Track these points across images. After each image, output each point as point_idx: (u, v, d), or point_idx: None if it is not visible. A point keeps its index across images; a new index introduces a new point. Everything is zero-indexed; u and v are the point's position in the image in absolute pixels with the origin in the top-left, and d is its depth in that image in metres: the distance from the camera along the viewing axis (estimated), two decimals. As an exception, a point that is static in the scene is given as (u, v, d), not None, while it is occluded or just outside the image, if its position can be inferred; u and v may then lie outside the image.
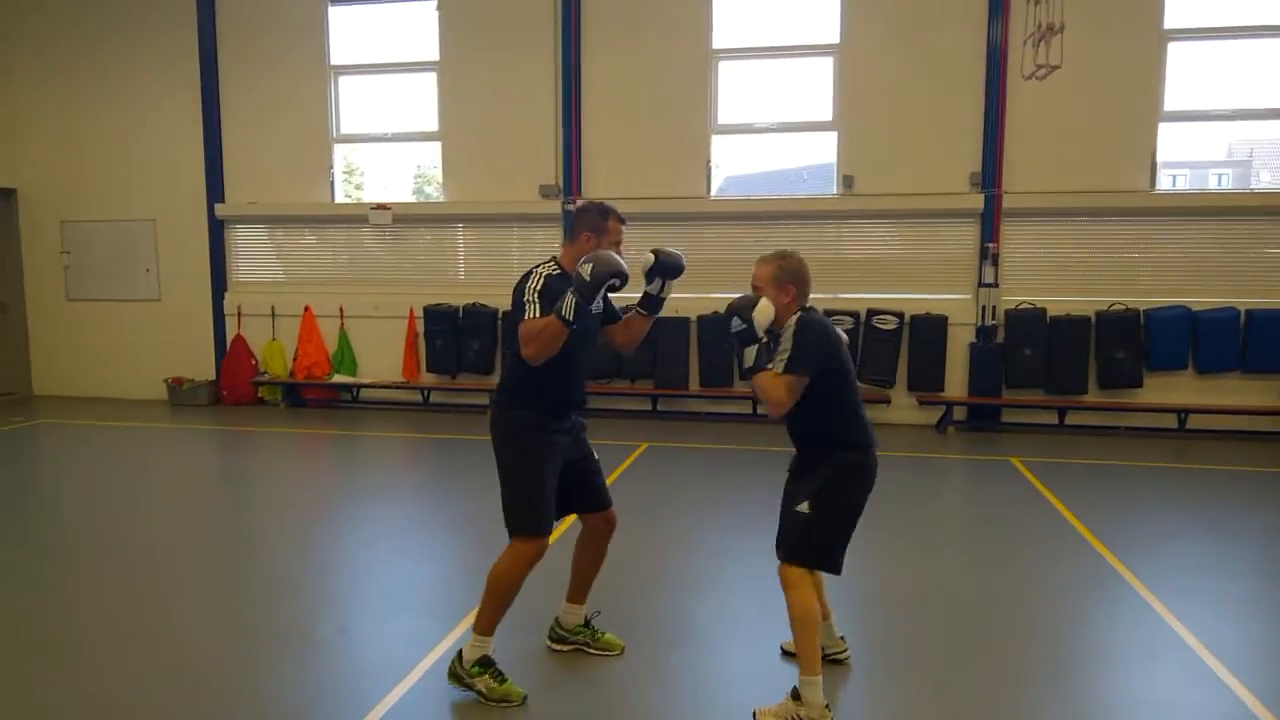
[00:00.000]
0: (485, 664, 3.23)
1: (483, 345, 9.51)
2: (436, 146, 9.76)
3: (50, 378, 10.79)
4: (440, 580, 4.73)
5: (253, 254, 10.33)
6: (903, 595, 4.40)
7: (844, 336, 3.28)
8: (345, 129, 10.01)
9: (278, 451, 8.36)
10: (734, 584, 4.59)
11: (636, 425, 8.81)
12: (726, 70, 9.22)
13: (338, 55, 9.87)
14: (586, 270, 3.05)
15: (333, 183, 9.99)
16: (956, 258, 8.91)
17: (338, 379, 9.87)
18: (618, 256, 3.15)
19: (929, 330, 8.81)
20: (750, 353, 3.10)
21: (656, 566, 4.77)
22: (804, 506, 3.16)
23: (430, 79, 9.68)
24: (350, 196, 10.38)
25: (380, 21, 9.93)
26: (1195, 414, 8.34)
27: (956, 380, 8.85)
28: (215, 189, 10.09)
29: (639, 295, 3.43)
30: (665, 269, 3.35)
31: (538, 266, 3.27)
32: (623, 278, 3.09)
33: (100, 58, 10.24)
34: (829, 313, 8.51)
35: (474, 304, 9.54)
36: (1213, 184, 13.09)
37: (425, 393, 9.74)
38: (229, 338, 10.20)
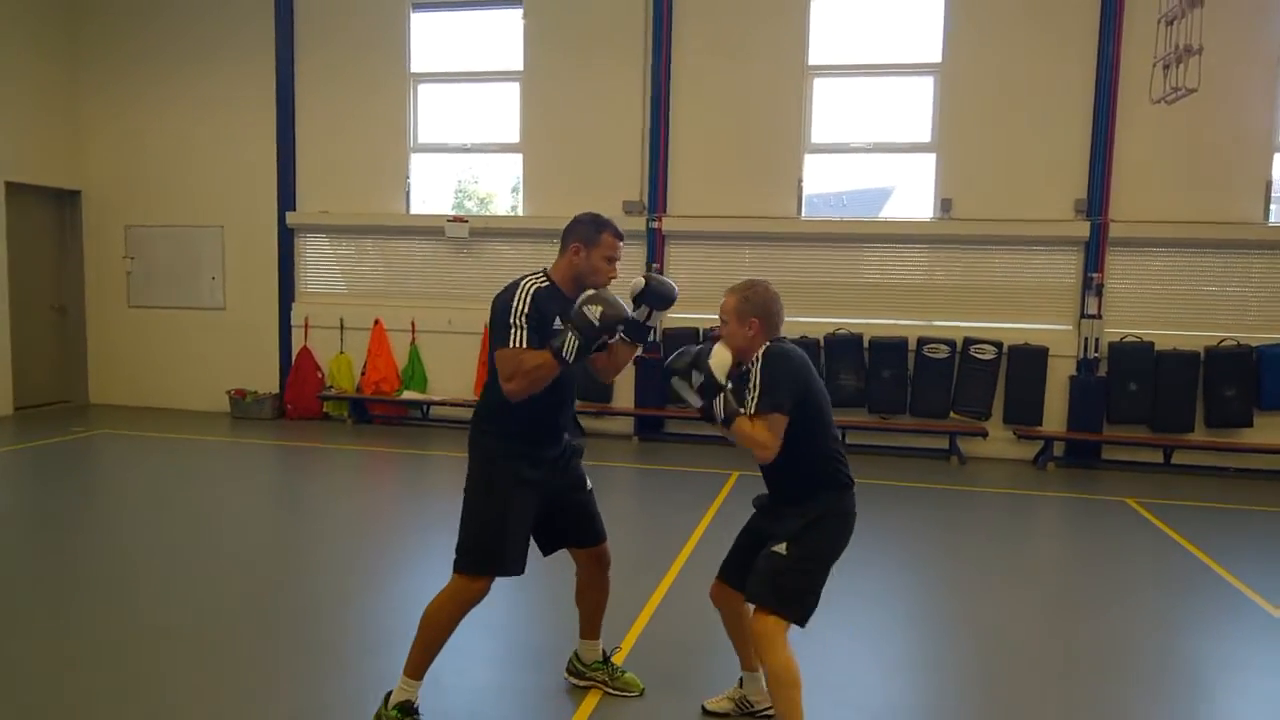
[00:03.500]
0: (405, 710, 3.00)
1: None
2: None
3: (108, 386, 10.52)
4: (513, 622, 4.32)
5: (322, 264, 10.06)
6: (1099, 654, 4.08)
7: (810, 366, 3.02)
8: (424, 139, 9.75)
9: (344, 470, 8.09)
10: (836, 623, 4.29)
11: (721, 453, 8.49)
12: (821, 87, 8.95)
13: (418, 63, 9.62)
14: (595, 313, 2.86)
15: (408, 193, 9.73)
16: (1058, 287, 8.61)
17: (407, 395, 9.58)
18: (621, 300, 2.95)
19: (1028, 361, 8.49)
20: (718, 404, 2.91)
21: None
22: (781, 548, 2.92)
23: (513, 89, 9.42)
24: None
25: (463, 29, 9.69)
26: (1310, 456, 8.03)
27: (1055, 414, 8.53)
28: (287, 196, 9.83)
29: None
30: (654, 298, 3.11)
31: (524, 279, 3.01)
32: (627, 324, 2.97)
33: (170, 58, 10.01)
34: (923, 341, 8.49)
35: (551, 321, 9.25)
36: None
37: (497, 411, 9.45)
38: (295, 350, 9.92)
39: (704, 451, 8.61)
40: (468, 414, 9.41)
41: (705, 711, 3.36)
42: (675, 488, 7.39)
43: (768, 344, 2.97)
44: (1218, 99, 8.06)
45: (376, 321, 9.71)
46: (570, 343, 2.83)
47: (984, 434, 8.53)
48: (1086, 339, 8.43)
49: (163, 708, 3.33)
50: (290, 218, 9.85)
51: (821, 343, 8.64)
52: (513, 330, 2.89)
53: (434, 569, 3.13)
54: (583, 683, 3.46)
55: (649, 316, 3.15)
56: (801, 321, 8.52)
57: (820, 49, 8.85)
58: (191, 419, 9.72)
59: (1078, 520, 6.97)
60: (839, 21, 8.88)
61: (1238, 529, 6.57)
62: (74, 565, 4.97)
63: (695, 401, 3.00)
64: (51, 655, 3.79)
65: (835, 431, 3.07)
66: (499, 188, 10.39)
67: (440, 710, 3.23)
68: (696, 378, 2.94)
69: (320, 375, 9.87)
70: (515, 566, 3.03)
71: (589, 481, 3.32)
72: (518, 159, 9.53)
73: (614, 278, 3.08)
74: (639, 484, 7.85)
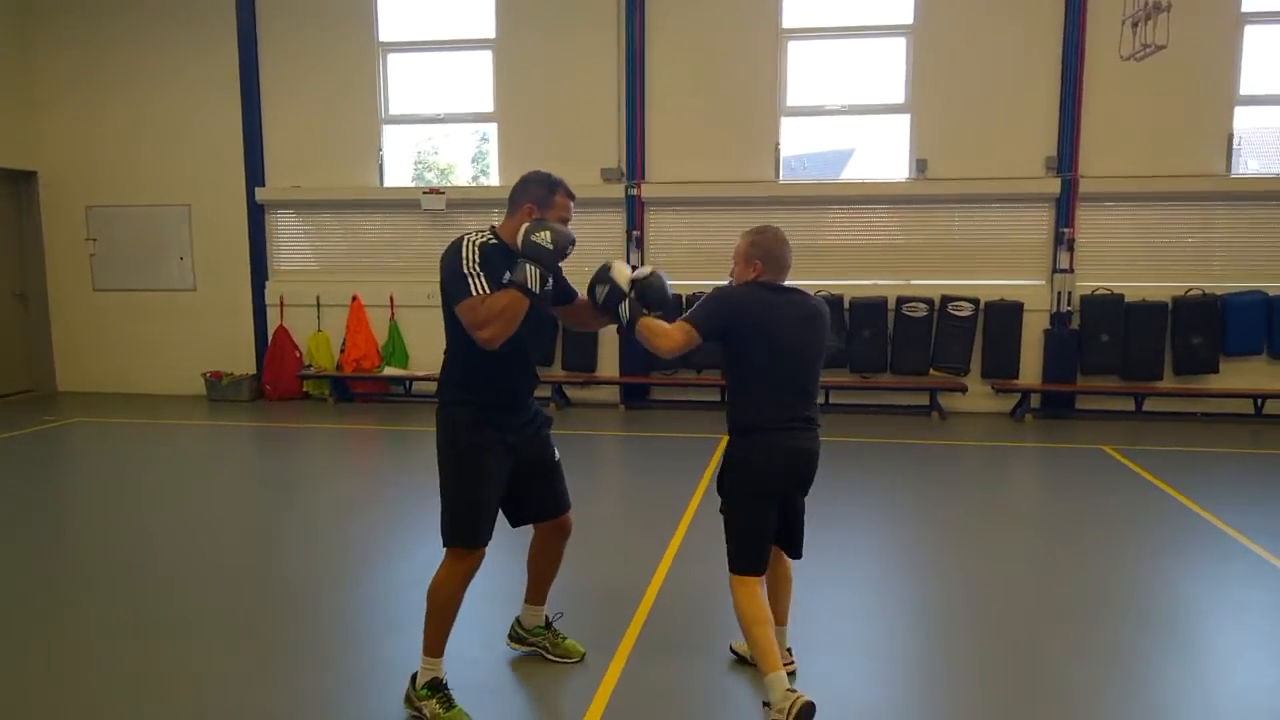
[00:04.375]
0: (435, 687, 3.02)
1: (544, 333, 9.19)
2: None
3: (75, 372, 10.24)
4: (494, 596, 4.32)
5: (295, 241, 9.86)
6: (1091, 596, 4.24)
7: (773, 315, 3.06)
8: (395, 110, 9.58)
9: (329, 449, 8.00)
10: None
11: (709, 419, 8.57)
12: (795, 50, 8.97)
13: (387, 32, 9.42)
14: (544, 238, 2.82)
15: (381, 166, 9.57)
16: (1031, 243, 8.80)
17: (389, 372, 9.49)
18: (561, 225, 2.94)
19: (1004, 317, 8.70)
20: (624, 307, 3.11)
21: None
22: (720, 506, 3.15)
23: (486, 58, 9.29)
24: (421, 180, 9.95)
25: (432, -2, 9.50)
26: (1272, 399, 8.35)
27: (1031, 367, 8.76)
28: (255, 172, 9.60)
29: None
30: (647, 295, 3.12)
31: (466, 236, 2.96)
32: (573, 245, 2.93)
33: (124, 29, 9.65)
34: (902, 300, 8.63)
35: (533, 292, 9.20)
36: None
37: (481, 384, 9.40)
38: (271, 329, 9.75)
39: (691, 417, 8.70)
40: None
41: (732, 650, 3.49)
42: (667, 454, 7.45)
43: (724, 284, 3.14)
44: (1180, 55, 8.22)
45: (354, 298, 9.57)
46: (532, 273, 2.80)
47: (963, 389, 8.74)
48: (1059, 293, 8.65)
49: (164, 694, 3.29)
50: (260, 194, 9.61)
51: (803, 305, 8.74)
52: (470, 279, 2.82)
53: (431, 544, 3.14)
54: (524, 648, 3.48)
55: (626, 303, 3.13)
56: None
57: (794, 12, 8.87)
58: (166, 403, 9.52)
59: (1058, 468, 7.21)
60: (812, -18, 8.90)
61: (1210, 470, 6.84)
62: (65, 557, 4.90)
63: (600, 312, 3.19)
64: (51, 645, 3.73)
65: (765, 380, 3.04)
66: (459, 158, 10.27)
67: (471, 683, 3.23)
68: (601, 291, 3.11)
69: (298, 354, 9.71)
70: (486, 536, 3.02)
71: (558, 452, 3.30)
72: (478, 129, 9.44)
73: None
74: (630, 452, 7.91)
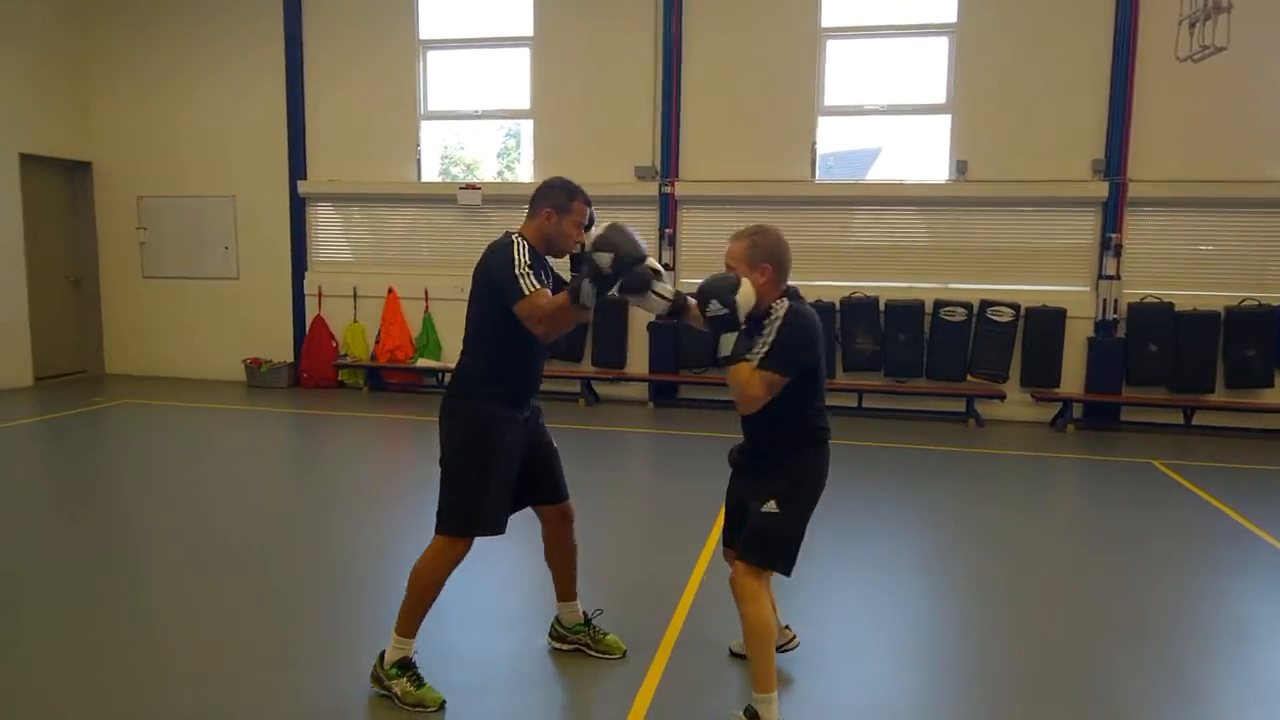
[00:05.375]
0: (404, 666, 3.04)
1: (574, 330, 9.16)
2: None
3: (123, 356, 10.56)
4: (510, 587, 4.22)
5: (335, 233, 10.04)
6: (1148, 614, 4.05)
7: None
8: (433, 106, 9.70)
9: (363, 436, 8.09)
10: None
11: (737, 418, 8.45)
12: (834, 49, 8.85)
13: (427, 29, 9.55)
14: (606, 261, 2.79)
15: (419, 161, 9.69)
16: (1076, 248, 8.52)
17: (421, 363, 9.58)
18: (635, 237, 2.86)
19: (1046, 323, 8.43)
20: (728, 340, 2.81)
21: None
22: (771, 506, 2.90)
23: (524, 55, 9.35)
24: (448, 175, 10.06)
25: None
26: (1331, 416, 7.95)
27: (1073, 376, 8.47)
28: (298, 165, 9.81)
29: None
30: (626, 278, 2.89)
31: (504, 238, 3.05)
32: (643, 262, 2.87)
33: (176, 25, 9.96)
34: (939, 303, 8.41)
35: (564, 288, 9.22)
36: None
37: (511, 379, 9.42)
38: (309, 319, 9.93)
39: (720, 417, 8.58)
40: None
41: (731, 653, 3.42)
42: (699, 452, 7.31)
43: (791, 304, 2.90)
44: (1237, 57, 7.91)
45: (390, 290, 9.69)
46: (587, 290, 2.85)
47: (1001, 396, 8.48)
48: (1105, 300, 8.35)
49: (204, 674, 3.32)
50: (302, 186, 9.82)
51: (838, 306, 8.60)
52: (521, 280, 2.92)
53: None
54: (566, 646, 3.45)
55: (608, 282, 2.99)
56: (816, 285, 8.47)
57: (833, 10, 8.75)
58: (208, 388, 9.75)
59: (1105, 481, 6.90)
60: (852, -19, 8.78)
61: (1266, 489, 6.46)
62: (109, 536, 4.97)
63: (706, 328, 2.92)
64: (97, 624, 3.76)
65: (822, 388, 3.04)
66: (485, 153, 10.33)
67: (515, 677, 3.23)
68: (715, 308, 2.80)
69: (334, 344, 9.87)
70: (498, 526, 3.07)
71: (554, 440, 3.35)
72: (505, 125, 9.50)
73: (581, 242, 3.13)
74: (662, 449, 7.83)
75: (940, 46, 8.64)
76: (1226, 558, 4.89)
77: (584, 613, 3.47)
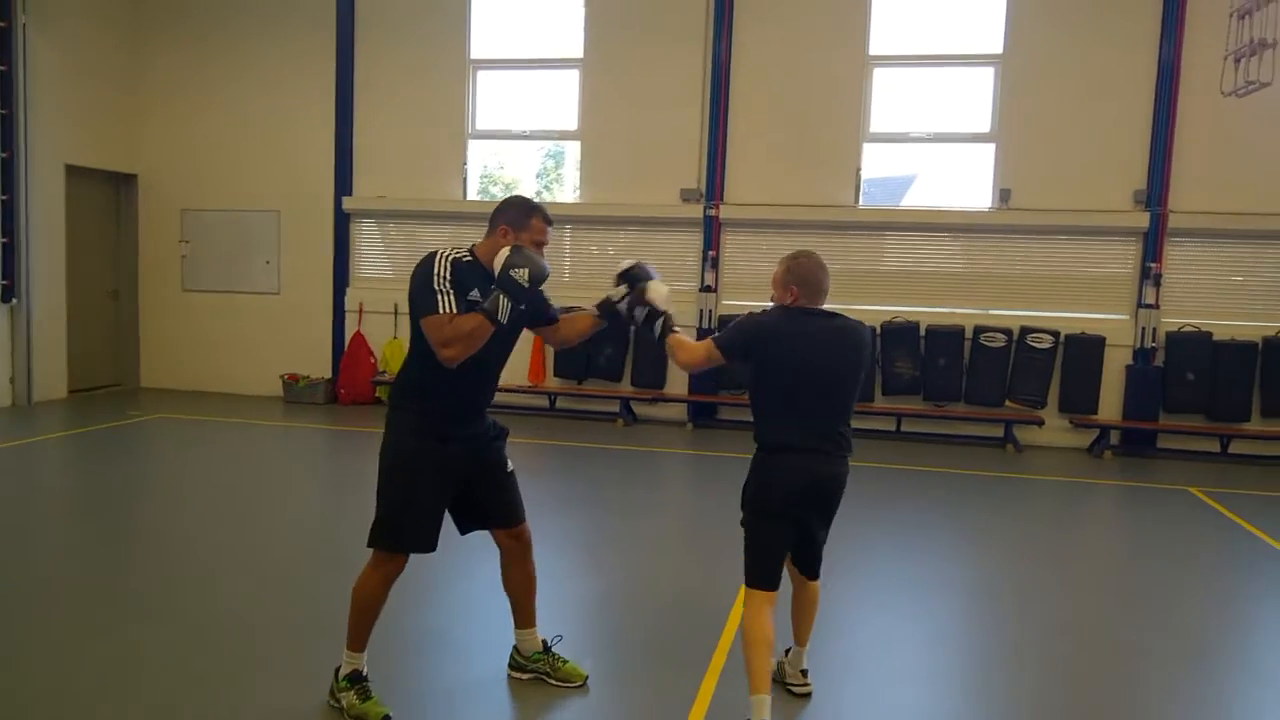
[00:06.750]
0: (354, 679, 3.10)
1: (615, 350, 9.27)
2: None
3: (159, 369, 10.56)
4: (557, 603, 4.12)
5: (377, 250, 10.11)
6: (1193, 642, 4.12)
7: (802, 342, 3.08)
8: (481, 125, 9.80)
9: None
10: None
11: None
12: (881, 77, 9.00)
13: (479, 49, 9.67)
14: (522, 275, 2.86)
15: (465, 179, 9.78)
16: (1115, 277, 8.67)
17: (462, 380, 9.62)
18: (539, 257, 2.96)
19: (1084, 350, 8.55)
20: (658, 324, 3.26)
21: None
22: (742, 519, 3.16)
23: (572, 76, 9.48)
24: (487, 194, 10.15)
25: (523, 15, 9.69)
26: (1368, 446, 8.08)
27: (1111, 403, 8.59)
28: (344, 181, 9.88)
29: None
30: (635, 281, 3.28)
31: (441, 251, 2.99)
32: (546, 278, 2.99)
33: (228, 40, 10.06)
34: (979, 329, 8.54)
35: (607, 308, 9.30)
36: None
37: (552, 398, 9.48)
38: (348, 335, 9.97)
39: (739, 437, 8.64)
40: (519, 399, 9.46)
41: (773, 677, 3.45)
42: (738, 475, 7.32)
43: (768, 310, 3.18)
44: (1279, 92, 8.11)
45: (431, 307, 9.74)
46: (503, 304, 2.85)
47: (1040, 422, 8.59)
48: (1144, 328, 8.49)
49: (231, 689, 3.35)
50: (347, 202, 9.89)
51: (878, 330, 8.70)
52: (439, 296, 2.86)
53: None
54: (525, 675, 3.39)
55: (625, 301, 3.30)
56: (857, 309, 8.48)
57: (881, 39, 8.91)
58: (244, 403, 9.76)
59: (1143, 507, 7.02)
60: (900, 10, 8.93)
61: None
62: (145, 549, 5.00)
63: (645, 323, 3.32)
64: (128, 635, 3.79)
65: (792, 402, 3.06)
66: (524, 173, 10.44)
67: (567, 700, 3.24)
68: (640, 312, 3.28)
69: (373, 360, 9.92)
70: (425, 544, 3.04)
71: (510, 464, 3.29)
72: (545, 145, 9.61)
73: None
74: (702, 470, 7.89)
75: (986, 76, 8.79)
76: (1270, 587, 4.93)
77: (543, 640, 3.41)
